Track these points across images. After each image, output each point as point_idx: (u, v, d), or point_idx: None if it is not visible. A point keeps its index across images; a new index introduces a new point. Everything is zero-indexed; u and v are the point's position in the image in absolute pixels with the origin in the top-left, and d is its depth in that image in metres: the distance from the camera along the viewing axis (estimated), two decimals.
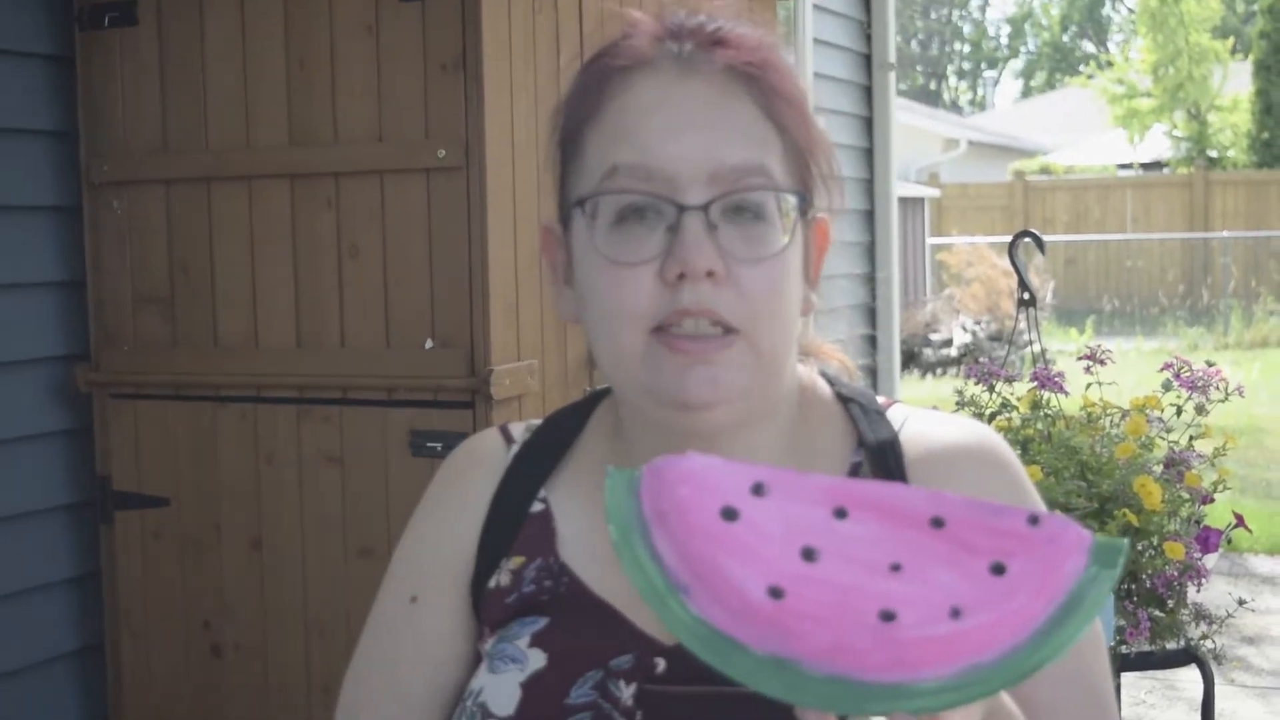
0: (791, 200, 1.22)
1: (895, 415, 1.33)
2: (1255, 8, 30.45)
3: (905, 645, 0.93)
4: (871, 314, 7.87)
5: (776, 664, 0.94)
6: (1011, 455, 1.30)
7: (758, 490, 1.00)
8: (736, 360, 1.19)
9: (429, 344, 2.87)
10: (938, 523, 0.98)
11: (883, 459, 1.28)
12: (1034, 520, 0.98)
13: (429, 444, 2.84)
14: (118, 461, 3.17)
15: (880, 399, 1.35)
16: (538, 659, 1.24)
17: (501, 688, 1.23)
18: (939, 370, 14.38)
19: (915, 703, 0.93)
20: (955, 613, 0.94)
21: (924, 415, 1.33)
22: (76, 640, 3.30)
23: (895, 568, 0.96)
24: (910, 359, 14.29)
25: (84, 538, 3.29)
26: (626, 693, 1.20)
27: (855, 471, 1.29)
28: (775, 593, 0.95)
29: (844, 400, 1.34)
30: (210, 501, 3.08)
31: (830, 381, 1.37)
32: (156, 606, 3.15)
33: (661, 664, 1.21)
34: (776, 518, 0.98)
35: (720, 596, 0.96)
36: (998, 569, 0.96)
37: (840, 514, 0.99)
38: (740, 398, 1.21)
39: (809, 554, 0.97)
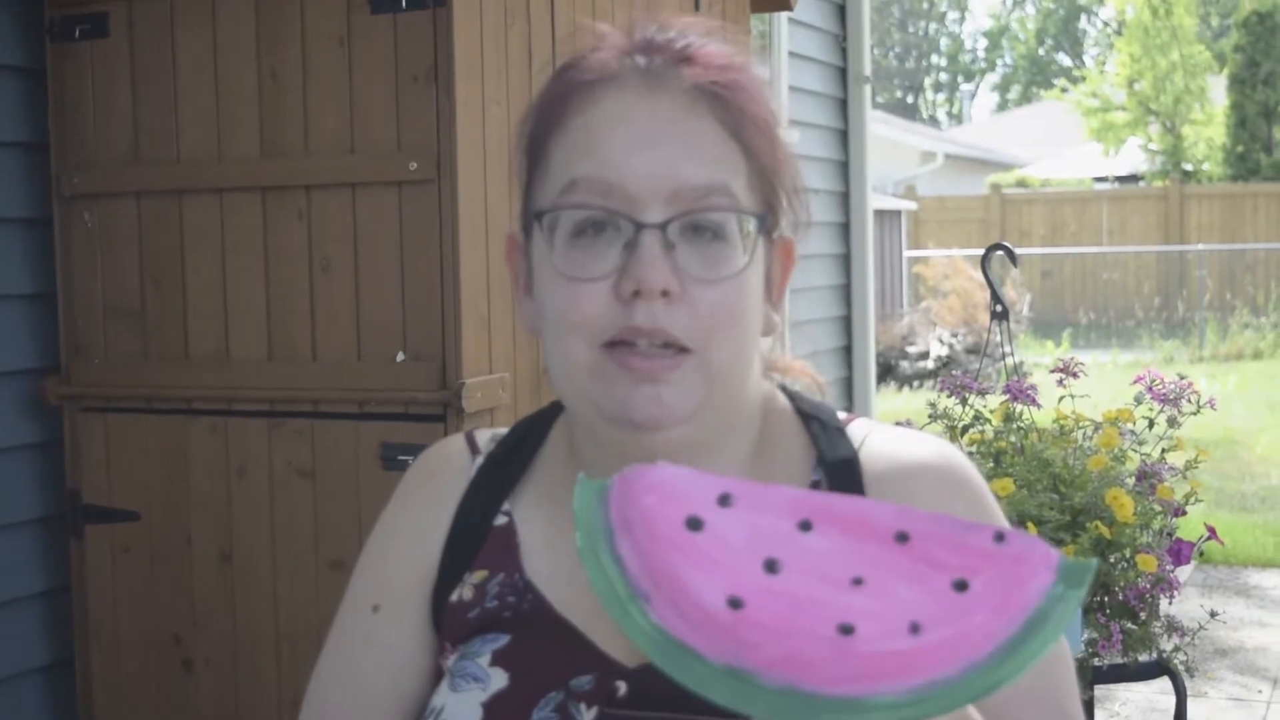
0: (753, 222, 1.21)
1: (855, 432, 1.32)
2: (1230, 22, 30.63)
3: (862, 659, 0.93)
4: (847, 326, 7.87)
5: (732, 674, 0.94)
6: (974, 473, 1.29)
7: (724, 501, 1.00)
8: (684, 380, 1.19)
9: (400, 357, 2.86)
10: (902, 537, 0.98)
11: (842, 476, 1.27)
12: (1000, 538, 0.98)
13: (400, 457, 2.83)
14: (88, 475, 3.15)
15: (841, 415, 1.35)
16: (499, 678, 1.23)
17: (463, 707, 1.22)
18: (915, 383, 14.40)
19: (869, 717, 0.93)
20: (914, 628, 0.94)
21: (885, 432, 1.32)
22: (46, 655, 3.28)
23: (857, 582, 0.96)
24: (887, 371, 14.32)
25: (53, 552, 3.27)
26: (587, 716, 1.19)
27: (815, 489, 1.28)
28: (735, 603, 0.95)
29: (804, 417, 1.33)
30: (181, 515, 3.07)
31: (791, 398, 1.36)
32: (127, 620, 3.14)
33: (623, 687, 1.20)
34: (741, 529, 0.98)
35: (679, 605, 0.95)
36: (960, 585, 0.96)
37: (805, 526, 0.99)
38: (687, 419, 1.20)
39: (771, 565, 0.97)
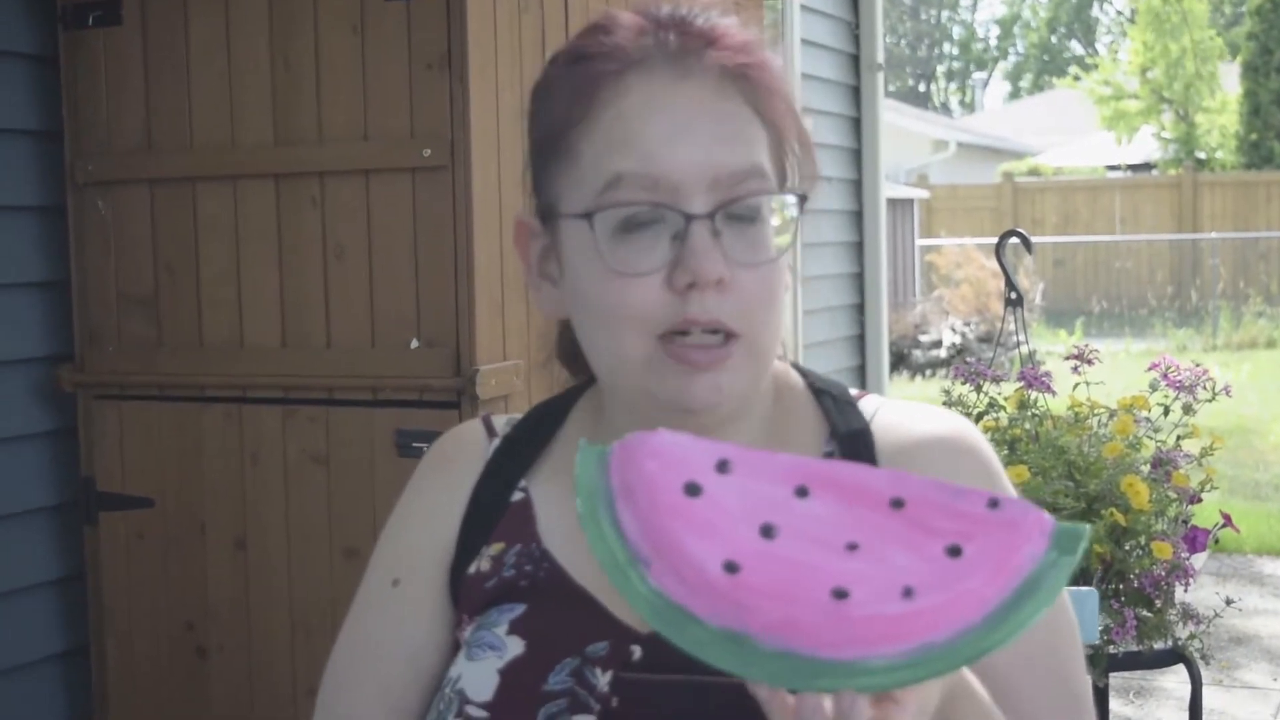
0: (790, 200, 1.24)
1: (867, 406, 1.34)
2: (1243, 9, 30.53)
3: (856, 623, 0.95)
4: (860, 314, 7.86)
5: (729, 637, 0.96)
6: (984, 444, 1.31)
7: (722, 467, 1.02)
8: (737, 364, 1.22)
9: (414, 344, 2.86)
10: (898, 503, 1.00)
11: (854, 449, 1.29)
12: (994, 504, 0.99)
13: (414, 444, 2.83)
14: (102, 462, 3.16)
15: (853, 390, 1.37)
16: (516, 646, 1.24)
17: (479, 674, 1.24)
18: (928, 372, 14.39)
19: (865, 680, 0.95)
20: (907, 592, 0.96)
21: (896, 406, 1.34)
22: (61, 642, 3.29)
23: (852, 547, 0.98)
24: (899, 360, 14.30)
25: (68, 539, 3.27)
26: (602, 680, 1.21)
27: None
28: (731, 567, 0.97)
29: (816, 392, 1.35)
30: (195, 502, 3.07)
31: (802, 374, 1.38)
32: (141, 608, 3.14)
33: (637, 651, 1.21)
34: (738, 494, 1.00)
35: (678, 570, 0.97)
36: (954, 551, 0.98)
37: (802, 492, 1.01)
38: (739, 398, 1.24)
39: (767, 531, 0.99)
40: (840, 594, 0.95)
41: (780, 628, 0.95)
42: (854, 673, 0.94)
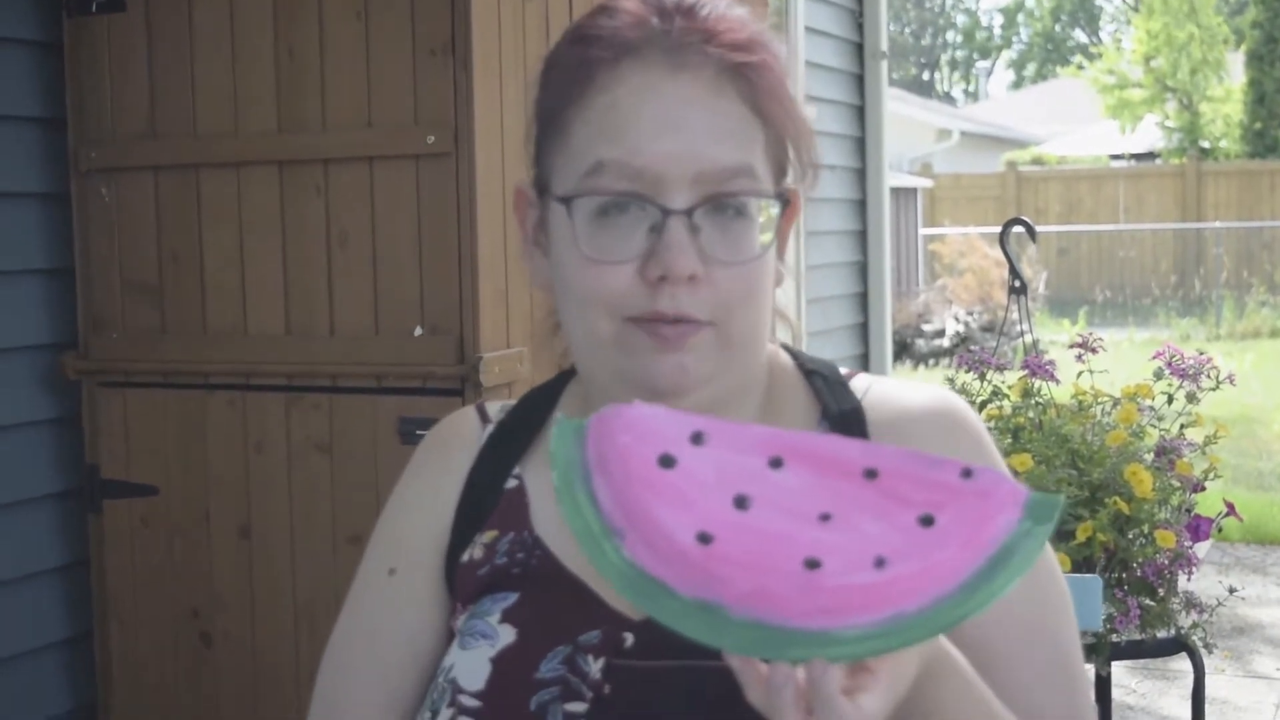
0: (775, 205, 1.24)
1: (858, 385, 1.35)
2: None
3: (827, 593, 0.95)
4: (863, 303, 7.86)
5: (701, 608, 0.96)
6: (974, 417, 1.31)
7: (697, 439, 1.02)
8: (705, 348, 1.21)
9: (418, 331, 2.86)
10: (871, 474, 1.00)
11: (846, 428, 1.29)
12: (968, 473, 0.99)
13: (418, 431, 2.83)
14: (106, 450, 3.16)
15: (843, 370, 1.37)
16: (508, 634, 1.25)
17: (471, 664, 1.24)
18: (931, 361, 14.39)
19: (836, 650, 0.95)
20: (879, 562, 0.96)
21: (886, 383, 1.35)
22: (65, 629, 3.29)
23: (824, 517, 0.98)
24: (903, 349, 14.30)
25: (72, 526, 3.27)
26: (594, 667, 1.21)
27: None
28: (703, 538, 0.97)
29: (807, 373, 1.36)
30: (199, 490, 3.08)
31: (793, 355, 1.38)
32: (145, 595, 3.14)
33: (629, 639, 1.22)
34: (712, 466, 1.00)
35: (651, 541, 0.98)
36: (926, 520, 0.98)
37: (776, 464, 1.01)
38: (706, 384, 1.23)
39: (741, 502, 0.99)
40: (812, 564, 0.95)
41: (752, 598, 0.95)
42: (825, 642, 0.94)
